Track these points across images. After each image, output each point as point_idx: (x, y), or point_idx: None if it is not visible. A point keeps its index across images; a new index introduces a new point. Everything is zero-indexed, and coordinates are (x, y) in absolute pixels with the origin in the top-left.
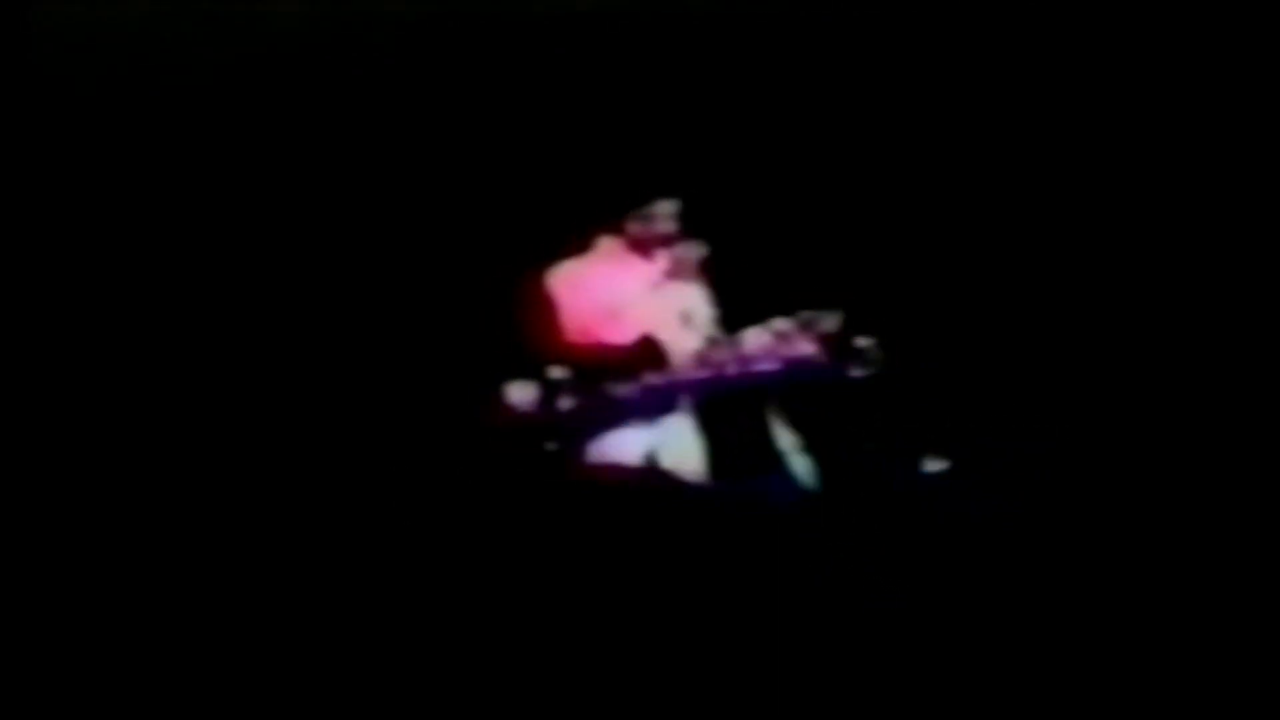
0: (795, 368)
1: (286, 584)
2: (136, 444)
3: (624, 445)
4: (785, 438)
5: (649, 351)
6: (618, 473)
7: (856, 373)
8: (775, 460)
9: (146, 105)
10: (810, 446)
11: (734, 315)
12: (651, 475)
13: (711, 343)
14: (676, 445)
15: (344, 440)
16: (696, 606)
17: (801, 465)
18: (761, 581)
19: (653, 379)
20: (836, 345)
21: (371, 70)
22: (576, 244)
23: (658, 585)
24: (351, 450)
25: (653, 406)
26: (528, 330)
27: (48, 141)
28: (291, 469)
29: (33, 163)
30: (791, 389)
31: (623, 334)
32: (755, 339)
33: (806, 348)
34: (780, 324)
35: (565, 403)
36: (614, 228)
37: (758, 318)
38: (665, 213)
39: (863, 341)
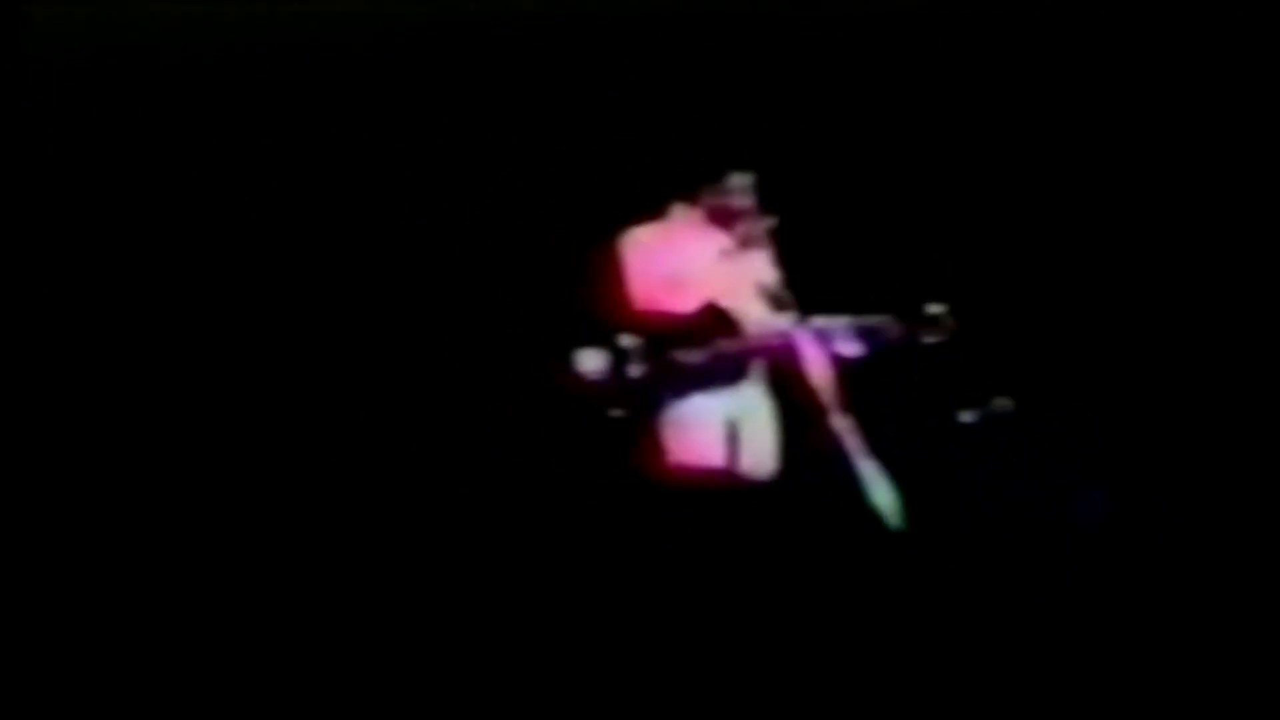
0: (867, 336)
1: (355, 534)
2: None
3: (702, 413)
4: (851, 427)
5: (717, 319)
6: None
7: (930, 339)
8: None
9: (144, 104)
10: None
11: (806, 288)
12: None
13: (783, 312)
14: (753, 416)
15: (411, 406)
16: (757, 595)
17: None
18: (822, 576)
19: (724, 346)
20: (910, 312)
21: (423, 39)
22: (650, 212)
23: (723, 575)
24: (419, 417)
25: (724, 374)
26: (597, 297)
27: (47, 140)
28: (357, 431)
29: (31, 162)
30: (864, 361)
31: (688, 303)
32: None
33: (879, 321)
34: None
35: (635, 370)
36: (689, 197)
37: (830, 290)
38: (740, 185)
39: (935, 308)
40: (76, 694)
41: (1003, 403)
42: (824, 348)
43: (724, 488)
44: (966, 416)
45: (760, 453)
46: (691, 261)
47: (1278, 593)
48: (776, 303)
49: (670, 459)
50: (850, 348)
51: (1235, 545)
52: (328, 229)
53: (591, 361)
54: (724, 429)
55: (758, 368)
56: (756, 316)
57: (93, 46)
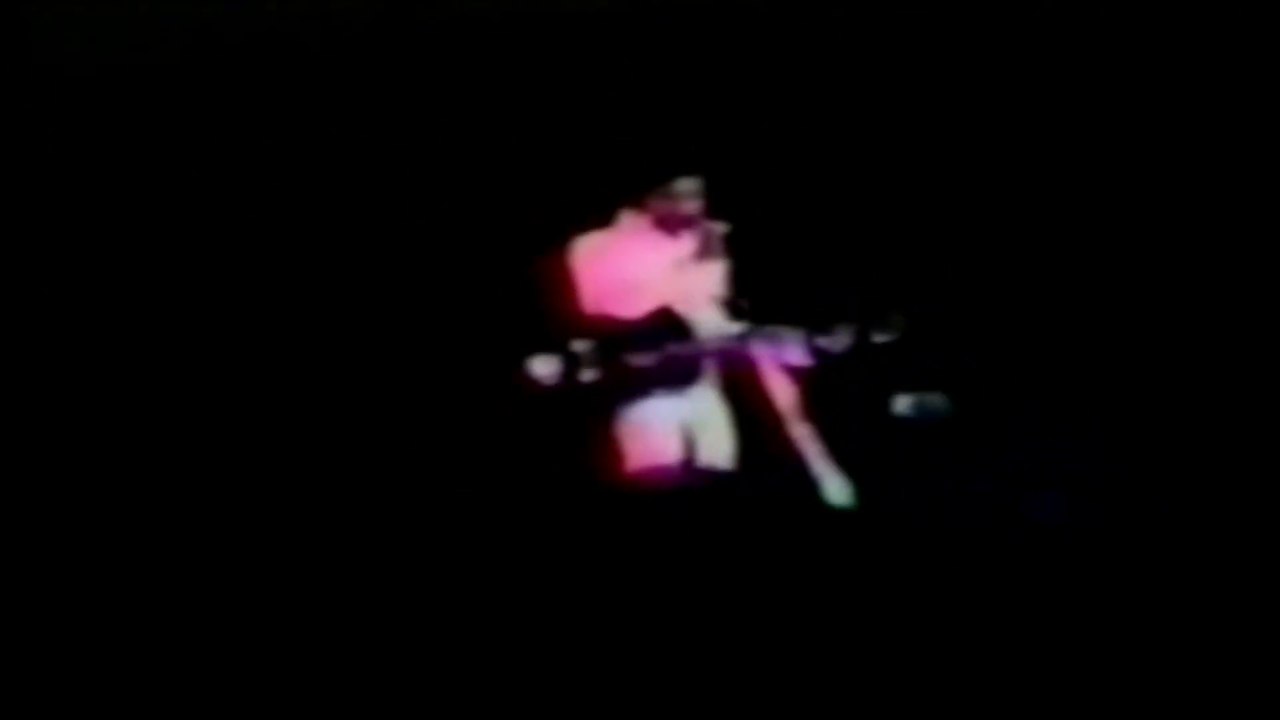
0: (815, 346)
1: (311, 535)
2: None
3: (657, 416)
4: (805, 428)
5: (669, 323)
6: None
7: (880, 339)
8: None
9: (144, 103)
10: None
11: (757, 292)
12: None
13: (735, 320)
14: (708, 422)
15: (369, 413)
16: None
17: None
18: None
19: (675, 349)
20: (860, 317)
21: (392, 46)
22: (601, 219)
23: (687, 575)
24: (375, 423)
25: (677, 377)
26: (550, 304)
27: (45, 137)
28: (318, 440)
29: (30, 160)
30: (814, 366)
31: (640, 308)
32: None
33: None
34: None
35: (588, 375)
36: (638, 204)
37: (781, 294)
38: (688, 190)
39: (890, 317)
40: (76, 694)
41: (938, 399)
42: (775, 355)
43: (682, 490)
44: (902, 407)
45: (717, 456)
46: (644, 268)
47: (1232, 583)
48: (729, 310)
49: (627, 462)
50: (798, 357)
51: (1194, 539)
52: (297, 232)
53: (545, 367)
54: (680, 433)
55: (710, 371)
56: (709, 323)
57: (93, 46)
